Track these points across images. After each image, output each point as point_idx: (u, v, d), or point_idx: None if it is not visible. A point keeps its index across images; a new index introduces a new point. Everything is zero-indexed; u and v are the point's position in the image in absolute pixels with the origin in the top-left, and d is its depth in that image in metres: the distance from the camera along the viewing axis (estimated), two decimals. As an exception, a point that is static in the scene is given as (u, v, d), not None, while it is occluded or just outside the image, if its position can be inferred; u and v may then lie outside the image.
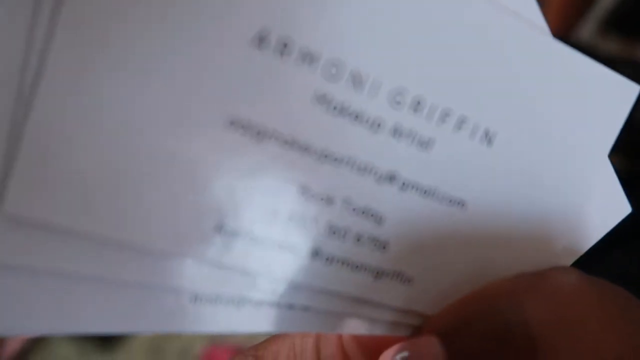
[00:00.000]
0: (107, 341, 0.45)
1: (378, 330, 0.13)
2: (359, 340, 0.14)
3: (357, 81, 0.10)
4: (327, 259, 0.11)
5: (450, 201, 0.12)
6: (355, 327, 0.12)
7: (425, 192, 0.12)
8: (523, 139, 0.12)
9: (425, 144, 0.11)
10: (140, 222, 0.10)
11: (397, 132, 0.11)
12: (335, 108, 0.10)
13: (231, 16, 0.09)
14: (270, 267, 0.11)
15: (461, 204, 0.12)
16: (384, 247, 0.12)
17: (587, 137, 0.13)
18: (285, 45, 0.10)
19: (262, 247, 0.11)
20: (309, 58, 0.10)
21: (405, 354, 0.12)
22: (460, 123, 0.11)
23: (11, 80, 0.09)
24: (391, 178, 0.11)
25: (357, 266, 0.12)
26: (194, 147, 0.10)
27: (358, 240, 0.11)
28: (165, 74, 0.09)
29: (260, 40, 0.10)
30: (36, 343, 0.42)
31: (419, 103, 0.11)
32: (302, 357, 0.14)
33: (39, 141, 0.09)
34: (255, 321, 0.11)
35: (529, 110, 0.12)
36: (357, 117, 0.11)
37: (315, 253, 0.11)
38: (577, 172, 0.13)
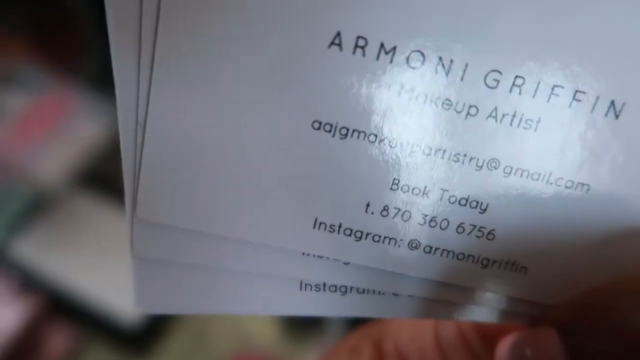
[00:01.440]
0: (142, 347, 0.49)
1: (494, 318, 0.12)
2: (477, 325, 0.13)
3: (441, 66, 0.10)
4: (426, 249, 0.11)
5: (570, 185, 0.11)
6: (468, 315, 0.12)
7: (536, 176, 0.11)
8: None
9: (530, 125, 0.10)
10: (251, 221, 0.11)
11: (494, 115, 0.10)
12: (419, 98, 0.10)
13: (306, 21, 0.10)
14: (369, 259, 0.11)
15: (584, 187, 0.11)
16: (490, 236, 0.11)
17: None
18: (364, 43, 0.10)
19: (358, 240, 0.11)
20: (390, 53, 0.10)
21: (524, 348, 0.11)
22: (575, 97, 0.10)
23: (130, 107, 0.10)
24: (493, 164, 0.10)
25: (461, 255, 0.11)
26: (286, 151, 0.10)
27: (460, 229, 0.11)
28: (256, 89, 0.10)
29: (339, 41, 0.10)
30: (72, 351, 0.48)
31: (520, 82, 0.10)
32: (422, 338, 0.14)
33: (155, 157, 0.10)
34: (360, 308, 0.12)
35: None
36: (445, 104, 0.10)
37: (414, 244, 0.11)
38: None
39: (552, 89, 0.10)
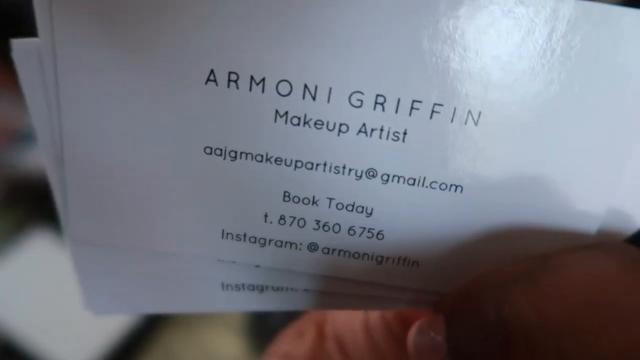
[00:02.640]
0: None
1: (400, 307, 0.13)
2: (398, 311, 0.15)
3: (308, 92, 0.11)
4: (324, 251, 0.12)
5: (444, 187, 0.12)
6: (375, 305, 0.13)
7: (411, 181, 0.12)
8: (519, 114, 0.11)
9: (397, 137, 0.11)
10: (170, 235, 0.13)
11: (364, 130, 0.11)
12: (293, 120, 0.11)
13: (184, 61, 0.11)
14: (276, 262, 0.13)
15: (458, 188, 0.12)
16: (379, 236, 0.12)
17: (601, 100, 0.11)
18: (235, 77, 0.11)
19: (263, 246, 0.12)
20: (260, 84, 0.11)
21: (422, 332, 0.13)
22: (434, 110, 0.11)
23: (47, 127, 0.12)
24: (370, 174, 0.12)
25: (357, 254, 0.12)
26: (186, 173, 0.12)
27: (351, 232, 0.12)
28: (152, 119, 0.11)
29: (213, 78, 0.11)
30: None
31: (381, 101, 0.11)
32: (354, 321, 0.16)
33: (78, 187, 0.12)
34: (276, 303, 0.13)
35: (525, 82, 0.11)
36: (317, 123, 0.11)
37: (313, 246, 0.12)
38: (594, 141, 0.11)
39: (412, 103, 0.11)
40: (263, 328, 0.49)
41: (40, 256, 0.52)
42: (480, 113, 0.11)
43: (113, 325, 0.48)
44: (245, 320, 0.51)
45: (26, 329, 0.47)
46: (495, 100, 0.11)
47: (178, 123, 0.11)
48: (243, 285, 0.13)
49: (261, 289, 0.13)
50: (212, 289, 0.13)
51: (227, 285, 0.13)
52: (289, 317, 0.17)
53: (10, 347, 0.46)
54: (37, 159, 0.55)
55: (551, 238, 0.12)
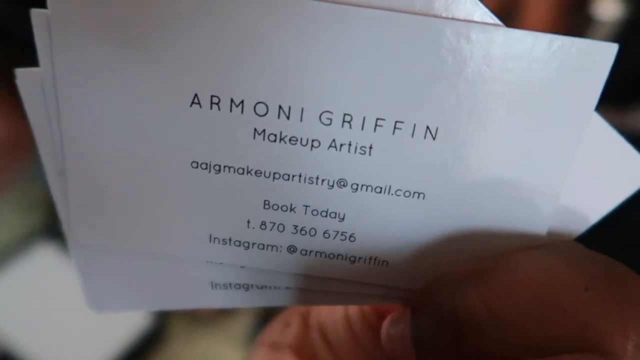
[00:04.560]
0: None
1: (373, 302, 0.15)
2: (375, 305, 0.16)
3: (282, 112, 0.12)
4: (302, 252, 0.14)
5: (408, 194, 0.13)
6: (350, 300, 0.15)
7: (378, 189, 0.13)
8: (469, 129, 0.12)
9: (364, 151, 0.12)
10: (162, 239, 0.14)
11: (334, 145, 0.12)
12: (270, 137, 0.12)
13: (171, 86, 0.12)
14: (259, 263, 0.14)
15: (420, 195, 0.13)
16: (352, 238, 0.14)
17: (552, 114, 0.12)
18: (217, 100, 0.12)
19: (247, 249, 0.14)
20: (239, 106, 0.12)
21: (394, 324, 0.14)
22: (396, 126, 0.12)
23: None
24: (341, 183, 0.13)
25: (332, 255, 0.14)
26: (175, 185, 0.13)
27: (326, 235, 0.14)
28: (144, 137, 0.13)
29: (197, 101, 0.12)
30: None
31: (348, 119, 0.12)
32: (336, 313, 0.17)
33: (78, 195, 0.13)
34: (261, 300, 0.15)
35: (473, 99, 0.12)
36: (292, 140, 0.12)
37: (292, 248, 0.14)
38: (547, 150, 0.12)
39: (376, 121, 0.12)
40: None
41: (42, 268, 0.52)
42: (437, 129, 0.12)
43: (114, 338, 0.49)
44: (246, 331, 0.53)
45: (26, 340, 0.47)
46: (450, 116, 0.12)
47: (167, 140, 0.13)
48: (230, 284, 0.15)
49: (247, 287, 0.15)
50: (203, 287, 0.15)
51: (216, 285, 0.15)
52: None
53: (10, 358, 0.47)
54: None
55: (506, 239, 0.13)
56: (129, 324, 0.49)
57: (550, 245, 0.12)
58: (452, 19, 0.11)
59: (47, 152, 0.13)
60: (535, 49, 0.11)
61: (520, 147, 0.12)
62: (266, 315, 0.52)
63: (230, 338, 0.53)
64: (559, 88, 0.12)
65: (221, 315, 0.54)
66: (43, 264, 0.53)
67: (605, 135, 0.13)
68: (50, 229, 0.55)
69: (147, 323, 0.50)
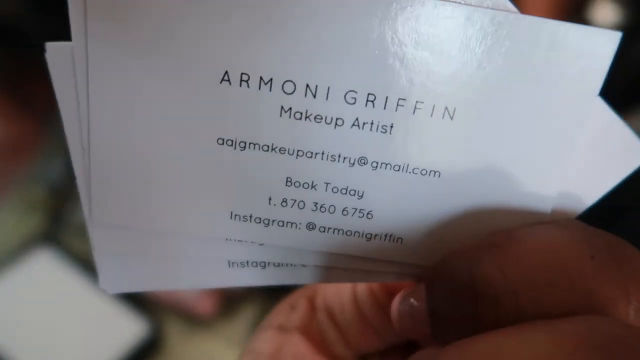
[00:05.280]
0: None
1: (387, 279, 0.15)
2: (384, 283, 0.17)
3: (309, 91, 0.13)
4: (321, 229, 0.14)
5: (424, 172, 0.14)
6: (366, 278, 0.15)
7: (397, 167, 0.13)
8: (486, 109, 0.13)
9: (385, 129, 0.13)
10: (182, 218, 0.14)
11: (357, 124, 0.13)
12: (296, 115, 0.13)
13: (202, 63, 0.12)
14: (278, 240, 0.14)
15: (436, 174, 0.14)
16: (369, 216, 0.14)
17: (560, 98, 0.13)
18: (247, 77, 0.12)
19: (267, 226, 0.14)
20: (268, 84, 0.13)
21: (407, 299, 0.14)
22: (416, 106, 0.13)
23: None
24: (362, 161, 0.13)
25: (349, 232, 0.14)
26: (200, 162, 0.13)
27: (345, 212, 0.14)
28: (172, 114, 0.13)
29: (227, 78, 0.12)
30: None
31: (372, 98, 0.13)
32: (343, 293, 0.18)
33: (101, 173, 0.14)
34: (277, 278, 0.15)
35: (491, 82, 0.13)
36: (317, 118, 0.13)
37: (311, 226, 0.14)
38: (553, 132, 0.13)
39: (398, 101, 0.13)
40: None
41: (41, 272, 0.51)
42: (455, 109, 0.13)
43: (112, 342, 0.48)
44: (244, 333, 0.52)
45: (23, 344, 0.47)
46: (467, 98, 0.13)
47: (195, 117, 0.13)
48: (247, 262, 0.15)
49: (264, 265, 0.15)
50: (219, 266, 0.15)
51: (232, 263, 0.15)
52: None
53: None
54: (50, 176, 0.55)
55: (514, 217, 0.14)
56: (127, 329, 0.49)
57: (559, 221, 0.13)
58: (466, 4, 0.12)
59: (73, 128, 0.13)
60: (543, 35, 0.12)
61: (528, 131, 0.13)
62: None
63: (228, 340, 0.52)
64: (564, 73, 0.13)
65: (219, 317, 0.54)
66: (42, 267, 0.52)
67: (606, 120, 0.14)
68: (49, 232, 0.55)
69: (145, 326, 0.49)
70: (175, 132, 0.13)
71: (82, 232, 0.55)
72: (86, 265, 0.52)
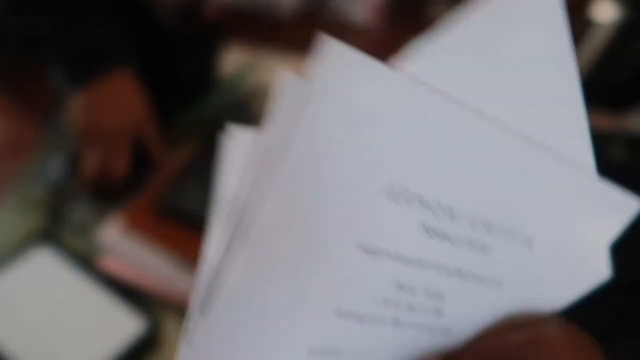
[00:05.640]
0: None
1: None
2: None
3: (450, 214, 0.15)
4: (402, 325, 0.16)
5: (489, 283, 0.16)
6: None
7: (477, 279, 0.16)
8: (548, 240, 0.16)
9: (483, 250, 0.16)
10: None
11: (471, 243, 0.15)
12: (435, 233, 0.15)
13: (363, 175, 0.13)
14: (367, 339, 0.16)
15: (498, 285, 0.16)
16: (439, 314, 0.17)
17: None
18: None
19: (363, 322, 0.16)
20: (417, 200, 0.14)
21: None
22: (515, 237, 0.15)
23: None
24: (458, 274, 0.16)
25: (419, 327, 0.17)
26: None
27: (424, 311, 0.16)
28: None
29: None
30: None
31: (489, 227, 0.15)
32: None
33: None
34: None
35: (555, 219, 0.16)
36: (450, 239, 0.15)
37: (395, 322, 0.16)
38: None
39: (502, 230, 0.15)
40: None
41: (40, 270, 0.51)
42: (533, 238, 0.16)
43: (110, 341, 0.48)
44: None
45: (21, 342, 0.47)
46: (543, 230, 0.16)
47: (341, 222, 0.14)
48: (336, 351, 0.17)
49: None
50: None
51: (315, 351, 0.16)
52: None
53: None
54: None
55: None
56: (126, 326, 0.49)
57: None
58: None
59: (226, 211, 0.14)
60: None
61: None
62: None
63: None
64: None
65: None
66: (41, 265, 0.51)
67: None
68: (49, 230, 0.54)
69: (144, 323, 0.49)
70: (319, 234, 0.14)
71: (80, 230, 0.55)
72: (85, 262, 0.52)
